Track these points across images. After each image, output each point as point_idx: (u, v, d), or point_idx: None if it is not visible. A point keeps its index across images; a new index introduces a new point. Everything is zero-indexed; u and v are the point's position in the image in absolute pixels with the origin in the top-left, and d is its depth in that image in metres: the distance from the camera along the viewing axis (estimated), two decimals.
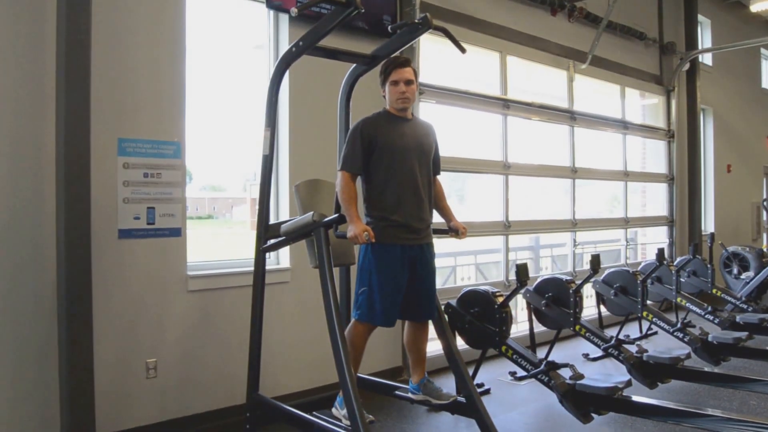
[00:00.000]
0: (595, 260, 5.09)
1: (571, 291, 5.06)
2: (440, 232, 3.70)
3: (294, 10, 3.28)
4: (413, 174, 3.40)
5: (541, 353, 5.01)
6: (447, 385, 4.43)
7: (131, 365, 3.87)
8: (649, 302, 6.16)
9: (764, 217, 11.28)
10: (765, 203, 10.36)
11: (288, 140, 4.68)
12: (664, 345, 5.70)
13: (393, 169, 3.37)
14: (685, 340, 5.66)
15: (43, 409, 3.50)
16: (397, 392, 3.83)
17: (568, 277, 5.31)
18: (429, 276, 3.52)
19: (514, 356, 4.53)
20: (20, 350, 3.47)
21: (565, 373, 4.25)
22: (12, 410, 3.44)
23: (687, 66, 9.06)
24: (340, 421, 3.30)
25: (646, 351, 4.88)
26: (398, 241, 3.35)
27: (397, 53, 3.71)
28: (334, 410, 3.44)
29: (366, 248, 3.34)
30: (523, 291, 5.07)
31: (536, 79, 7.39)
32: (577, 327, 5.19)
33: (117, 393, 3.78)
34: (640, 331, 6.49)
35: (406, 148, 3.41)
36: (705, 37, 10.16)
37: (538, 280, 5.40)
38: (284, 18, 4.68)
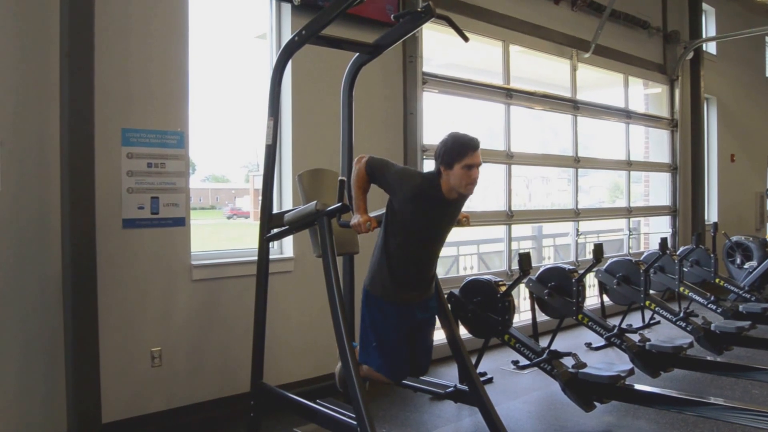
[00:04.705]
0: (598, 250, 5.10)
1: (573, 280, 5.05)
2: None
3: None
4: (432, 250, 3.21)
5: (543, 342, 5.02)
6: (450, 373, 4.45)
7: (136, 354, 3.90)
8: (651, 292, 6.16)
9: None
10: None
11: (291, 130, 4.67)
12: (666, 334, 5.71)
13: (413, 244, 3.12)
14: (688, 329, 5.67)
15: (50, 398, 3.54)
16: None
17: (571, 267, 5.30)
18: (427, 331, 3.37)
19: (517, 345, 4.55)
20: (26, 340, 3.50)
21: (568, 361, 4.27)
22: (19, 399, 3.48)
23: (691, 55, 9.00)
24: None
25: (649, 340, 4.89)
26: (398, 300, 3.17)
27: (398, 42, 3.71)
28: None
29: (366, 304, 3.19)
30: (525, 280, 5.07)
31: (539, 67, 7.36)
32: (580, 316, 5.20)
33: (122, 382, 3.82)
34: (643, 320, 6.49)
35: (436, 232, 3.16)
36: (709, 26, 10.08)
37: (541, 269, 5.39)
38: (287, 7, 4.66)
